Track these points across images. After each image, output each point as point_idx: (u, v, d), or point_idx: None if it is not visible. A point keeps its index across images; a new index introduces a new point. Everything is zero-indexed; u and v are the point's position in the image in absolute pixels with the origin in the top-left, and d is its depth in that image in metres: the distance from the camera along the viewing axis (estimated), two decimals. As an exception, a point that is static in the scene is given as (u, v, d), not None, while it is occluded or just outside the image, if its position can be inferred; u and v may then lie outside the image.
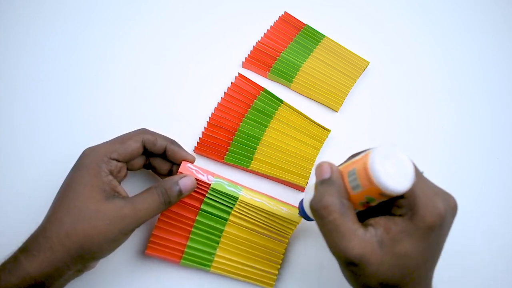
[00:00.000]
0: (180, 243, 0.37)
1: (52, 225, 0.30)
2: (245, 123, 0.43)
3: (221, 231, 0.38)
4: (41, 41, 0.46)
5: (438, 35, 0.51)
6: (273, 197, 0.39)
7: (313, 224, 0.40)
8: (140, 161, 0.37)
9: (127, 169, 0.36)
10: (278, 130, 0.43)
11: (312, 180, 0.31)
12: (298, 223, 0.38)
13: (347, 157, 0.31)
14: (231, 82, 0.45)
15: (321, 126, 0.43)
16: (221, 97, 0.44)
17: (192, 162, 0.37)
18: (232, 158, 0.41)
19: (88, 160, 0.32)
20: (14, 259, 0.29)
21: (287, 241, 0.38)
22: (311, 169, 0.42)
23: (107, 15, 0.49)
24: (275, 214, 0.37)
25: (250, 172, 0.42)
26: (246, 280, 0.38)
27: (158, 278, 0.38)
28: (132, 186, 0.39)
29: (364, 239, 0.26)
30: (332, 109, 0.46)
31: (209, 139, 0.42)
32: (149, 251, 0.37)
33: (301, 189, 0.41)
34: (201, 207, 0.37)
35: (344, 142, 0.44)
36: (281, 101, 0.44)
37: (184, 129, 0.43)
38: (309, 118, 0.43)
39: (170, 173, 0.38)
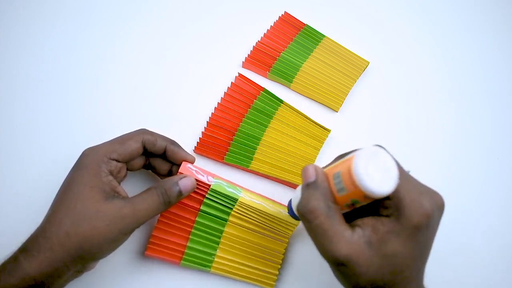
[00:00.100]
0: (180, 244, 0.37)
1: (52, 226, 0.30)
2: (245, 123, 0.43)
3: (221, 231, 0.38)
4: (41, 41, 0.46)
5: (438, 35, 0.51)
6: (272, 200, 0.39)
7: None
8: (140, 161, 0.37)
9: (127, 169, 0.36)
10: (278, 130, 0.43)
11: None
12: (297, 225, 0.38)
13: (334, 157, 0.31)
14: (231, 82, 0.45)
15: (321, 126, 0.43)
16: (221, 97, 0.44)
17: (192, 162, 0.37)
18: (232, 158, 0.41)
19: (88, 160, 0.32)
20: (14, 259, 0.29)
21: (287, 241, 0.38)
22: (311, 169, 0.42)
23: (107, 15, 0.49)
24: (274, 216, 0.37)
25: (250, 172, 0.42)
26: (247, 281, 0.37)
27: (158, 279, 0.38)
28: (132, 186, 0.39)
29: (352, 240, 0.26)
30: (332, 109, 0.46)
31: (209, 139, 0.42)
32: (149, 252, 0.37)
33: (301, 189, 0.41)
34: (201, 208, 0.37)
35: (344, 142, 0.44)
36: (281, 101, 0.44)
37: (184, 129, 0.43)
38: (309, 118, 0.43)
39: (170, 173, 0.38)
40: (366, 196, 0.26)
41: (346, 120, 0.46)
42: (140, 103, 0.44)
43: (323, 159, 0.43)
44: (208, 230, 0.37)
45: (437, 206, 0.27)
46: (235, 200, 0.37)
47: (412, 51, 0.50)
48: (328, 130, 0.43)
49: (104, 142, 0.34)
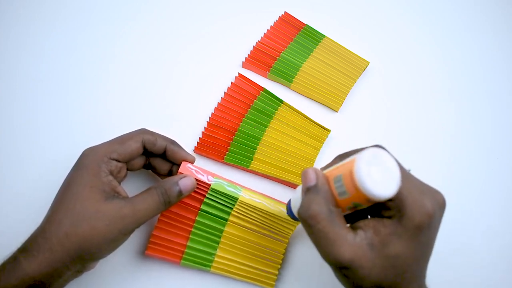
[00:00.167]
0: (180, 244, 0.37)
1: (51, 226, 0.30)
2: (245, 123, 0.43)
3: (221, 231, 0.38)
4: (41, 41, 0.46)
5: (438, 35, 0.51)
6: (273, 198, 0.39)
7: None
8: (140, 161, 0.37)
9: (127, 169, 0.36)
10: (278, 130, 0.43)
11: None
12: (297, 224, 0.38)
13: (334, 157, 0.31)
14: (231, 82, 0.45)
15: (321, 126, 0.43)
16: (221, 97, 0.44)
17: (192, 162, 0.37)
18: (232, 158, 0.41)
19: (87, 161, 0.32)
20: (14, 259, 0.29)
21: (287, 241, 0.38)
22: (311, 169, 0.42)
23: (107, 15, 0.49)
24: (274, 214, 0.37)
25: (250, 172, 0.42)
26: (247, 280, 0.37)
27: (159, 278, 0.38)
28: (132, 186, 0.39)
29: (354, 243, 0.26)
30: (332, 109, 0.46)
31: (209, 139, 0.42)
32: (149, 251, 0.37)
33: (301, 189, 0.41)
34: (201, 207, 0.37)
35: (344, 142, 0.44)
36: (281, 101, 0.44)
37: (184, 129, 0.43)
38: (309, 118, 0.43)
39: (170, 173, 0.38)
40: (369, 200, 0.26)
41: (346, 120, 0.46)
42: (140, 103, 0.44)
43: (323, 159, 0.43)
44: (208, 229, 0.37)
45: (439, 205, 0.27)
46: (235, 199, 0.37)
47: (412, 51, 0.50)
48: (328, 130, 0.43)
49: (104, 142, 0.34)
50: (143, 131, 0.36)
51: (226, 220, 0.38)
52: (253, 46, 0.47)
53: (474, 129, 0.46)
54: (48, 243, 0.29)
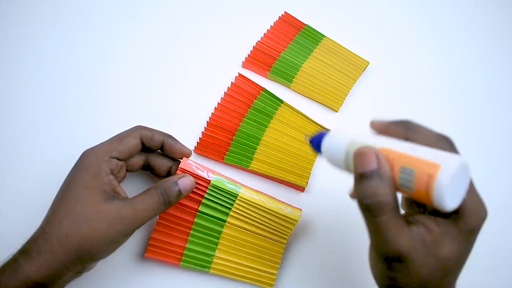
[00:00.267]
0: (179, 246, 0.37)
1: (52, 227, 0.30)
2: (245, 123, 0.43)
3: (220, 232, 0.38)
4: (41, 41, 0.46)
5: (438, 35, 0.51)
6: (272, 197, 0.39)
7: (313, 224, 0.40)
8: (139, 160, 0.37)
9: (126, 170, 0.36)
10: (278, 130, 0.43)
11: (343, 136, 0.28)
12: (297, 221, 0.38)
13: (392, 120, 0.28)
14: (231, 82, 0.45)
15: (321, 126, 0.43)
16: (221, 97, 0.44)
17: (189, 155, 0.37)
18: (232, 158, 0.41)
19: (87, 161, 0.32)
20: (14, 261, 0.29)
21: (286, 241, 0.38)
22: (311, 169, 0.42)
23: (107, 15, 0.49)
24: (274, 211, 0.37)
25: (250, 172, 0.42)
26: (246, 281, 0.37)
27: (158, 280, 0.38)
28: (132, 187, 0.39)
29: (411, 237, 0.25)
30: (332, 109, 0.46)
31: (209, 139, 0.42)
32: (149, 254, 0.37)
33: (301, 189, 0.41)
34: (199, 208, 0.37)
35: (344, 142, 0.44)
36: (281, 101, 0.44)
37: (184, 129, 0.43)
38: (309, 118, 0.43)
39: (169, 174, 0.38)
40: (432, 206, 0.24)
41: (346, 120, 0.46)
42: (140, 103, 0.44)
43: (323, 159, 0.43)
44: (206, 231, 0.37)
45: (487, 212, 0.27)
46: (235, 195, 0.37)
47: (412, 51, 0.50)
48: (328, 130, 0.43)
49: (102, 142, 0.34)
50: (140, 127, 0.36)
51: (224, 221, 0.38)
52: (253, 46, 0.47)
53: (474, 129, 0.46)
54: (49, 244, 0.29)
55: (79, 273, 0.32)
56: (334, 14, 0.51)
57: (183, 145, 0.37)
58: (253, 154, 0.42)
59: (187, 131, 0.43)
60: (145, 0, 0.50)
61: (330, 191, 0.42)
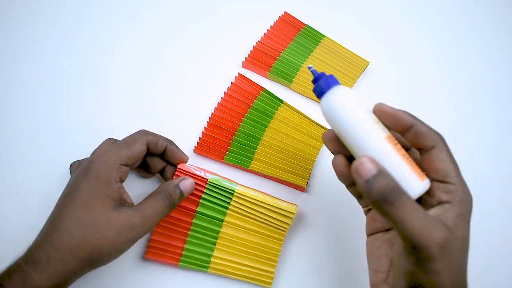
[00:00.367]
0: (178, 246, 0.37)
1: (62, 236, 0.30)
2: (245, 123, 0.43)
3: (218, 232, 0.38)
4: (41, 41, 0.46)
5: (438, 35, 0.51)
6: (268, 194, 0.39)
7: (313, 224, 0.40)
8: (139, 161, 0.37)
9: None
10: (278, 130, 0.43)
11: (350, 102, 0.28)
12: (293, 214, 0.38)
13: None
14: (231, 82, 0.45)
15: (321, 126, 0.43)
16: (221, 97, 0.44)
17: (186, 161, 0.39)
18: (232, 158, 0.41)
19: (97, 169, 0.32)
20: (21, 271, 0.28)
21: (283, 238, 0.38)
22: (311, 169, 0.42)
23: (107, 15, 0.49)
24: (271, 205, 0.38)
25: (250, 172, 0.42)
26: (245, 280, 0.38)
27: (157, 280, 0.38)
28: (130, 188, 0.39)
29: (433, 218, 0.25)
30: (332, 109, 0.46)
31: (209, 139, 0.42)
32: (148, 255, 0.37)
33: (301, 189, 0.41)
34: (197, 209, 0.38)
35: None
36: (281, 101, 0.44)
37: (184, 129, 0.43)
38: (309, 118, 0.43)
39: (161, 172, 0.39)
40: None
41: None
42: (140, 103, 0.44)
43: (323, 159, 0.43)
44: (204, 231, 0.38)
45: None
46: (232, 191, 0.38)
47: (412, 51, 0.50)
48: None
49: (110, 148, 0.34)
50: (145, 133, 0.36)
51: (222, 220, 0.38)
52: (253, 46, 0.47)
53: (474, 129, 0.46)
54: (59, 253, 0.29)
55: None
56: (334, 14, 0.51)
57: (183, 152, 0.38)
58: (253, 154, 0.42)
59: (187, 131, 0.43)
60: (145, 0, 0.50)
61: (330, 191, 0.42)
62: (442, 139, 0.28)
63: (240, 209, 0.38)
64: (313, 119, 0.43)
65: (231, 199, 0.38)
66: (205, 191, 0.38)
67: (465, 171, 0.44)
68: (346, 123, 0.27)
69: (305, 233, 0.40)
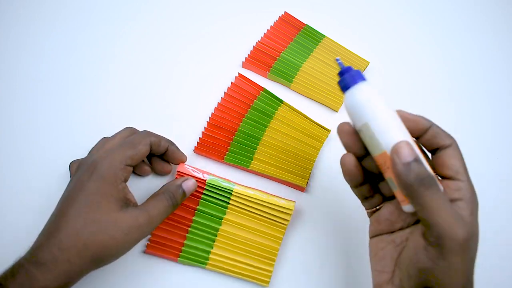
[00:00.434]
0: (178, 242, 0.38)
1: (68, 237, 0.30)
2: (245, 123, 0.43)
3: (217, 229, 0.39)
4: (41, 41, 0.46)
5: (438, 35, 0.51)
6: (265, 192, 0.40)
7: (313, 224, 0.40)
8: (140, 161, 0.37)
9: None
10: (278, 130, 0.43)
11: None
12: (291, 210, 0.39)
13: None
14: (231, 82, 0.45)
15: (321, 126, 0.43)
16: (221, 97, 0.44)
17: (185, 161, 0.40)
18: (232, 158, 0.41)
19: (103, 170, 0.32)
20: (25, 271, 0.28)
21: (282, 236, 0.39)
22: (311, 169, 0.42)
23: (107, 15, 0.49)
24: (269, 203, 0.39)
25: (250, 172, 0.42)
26: (242, 278, 0.38)
27: (157, 274, 0.38)
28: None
29: (457, 212, 0.26)
30: (332, 109, 0.46)
31: (209, 139, 0.42)
32: (149, 249, 0.38)
33: (301, 189, 0.41)
34: (198, 207, 0.39)
35: (344, 142, 0.44)
36: (281, 101, 0.44)
37: (184, 129, 0.43)
38: (309, 118, 0.43)
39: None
40: None
41: (346, 120, 0.45)
42: (140, 103, 0.44)
43: (323, 159, 0.43)
44: (204, 228, 0.39)
45: None
46: (230, 191, 0.39)
47: (412, 51, 0.50)
48: (328, 130, 0.43)
49: (113, 149, 0.34)
50: (149, 134, 0.37)
51: (221, 218, 0.39)
52: (253, 46, 0.47)
53: (474, 129, 0.46)
54: (66, 254, 0.29)
55: None
56: (334, 14, 0.51)
57: (182, 153, 0.40)
58: (253, 154, 0.42)
59: (187, 131, 0.43)
60: (145, 0, 0.50)
61: (330, 191, 0.42)
62: (455, 140, 0.29)
63: (239, 207, 0.39)
64: (313, 119, 0.43)
65: (229, 198, 0.39)
66: (204, 192, 0.39)
67: (465, 171, 0.44)
68: (375, 116, 0.28)
69: (304, 232, 0.40)
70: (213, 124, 0.43)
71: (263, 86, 0.45)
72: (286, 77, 0.46)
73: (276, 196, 0.39)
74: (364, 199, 0.32)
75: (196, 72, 0.46)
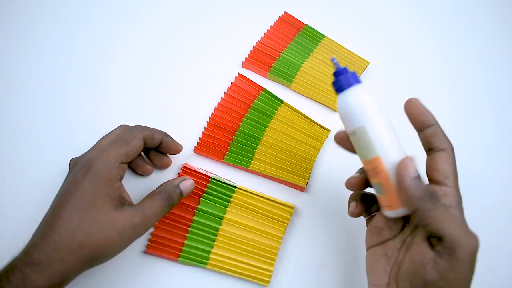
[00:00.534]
0: (178, 242, 0.38)
1: (63, 237, 0.29)
2: (245, 123, 0.43)
3: (217, 229, 0.39)
4: (41, 41, 0.46)
5: (438, 35, 0.51)
6: (268, 196, 0.40)
7: (313, 224, 0.40)
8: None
9: None
10: (278, 130, 0.43)
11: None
12: (293, 209, 0.39)
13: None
14: (231, 82, 0.45)
15: (321, 126, 0.43)
16: (221, 97, 0.44)
17: (180, 150, 0.40)
18: (232, 158, 0.41)
19: (99, 168, 0.32)
20: (20, 271, 0.28)
21: (282, 236, 0.39)
22: (311, 169, 0.42)
23: (107, 15, 0.49)
24: (271, 199, 0.39)
25: (250, 172, 0.42)
26: (243, 277, 0.38)
27: (157, 274, 0.38)
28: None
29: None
30: (332, 109, 0.46)
31: (209, 139, 0.42)
32: (149, 249, 0.38)
33: (301, 189, 0.41)
34: (198, 206, 0.39)
35: (344, 142, 0.44)
36: (281, 101, 0.44)
37: (184, 129, 0.43)
38: (309, 118, 0.43)
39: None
40: None
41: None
42: (140, 103, 0.44)
43: (323, 159, 0.43)
44: (204, 228, 0.39)
45: None
46: (233, 187, 0.39)
47: (412, 51, 0.50)
48: (328, 130, 0.43)
49: (107, 146, 0.34)
50: (141, 128, 0.36)
51: (222, 218, 0.39)
52: (253, 46, 0.47)
53: (474, 129, 0.46)
54: (60, 254, 0.29)
55: None
56: (334, 14, 0.51)
57: (177, 142, 0.39)
58: (253, 154, 0.42)
59: (187, 131, 0.43)
60: (145, 0, 0.50)
61: (330, 191, 0.42)
62: (452, 147, 0.29)
63: (241, 204, 0.39)
64: (313, 119, 0.43)
65: (231, 195, 0.39)
66: (207, 188, 0.39)
67: (465, 171, 0.44)
68: (371, 120, 0.28)
69: (304, 232, 0.40)
70: (213, 124, 0.43)
71: (263, 86, 0.45)
72: (286, 77, 0.46)
73: (278, 200, 0.40)
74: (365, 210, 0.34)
75: (196, 72, 0.46)
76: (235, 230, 0.39)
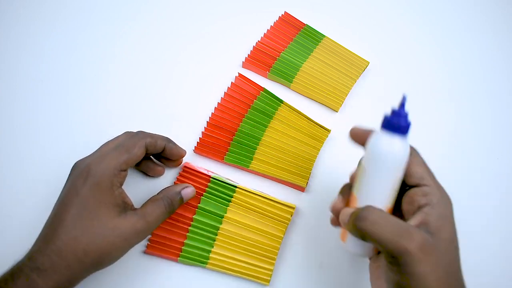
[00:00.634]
0: (178, 241, 0.38)
1: (67, 245, 0.30)
2: (245, 123, 0.43)
3: (217, 228, 0.39)
4: (41, 41, 0.47)
5: (438, 35, 0.51)
6: (268, 195, 0.40)
7: (313, 224, 0.40)
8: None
9: None
10: (278, 130, 0.43)
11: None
12: (293, 209, 0.39)
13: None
14: (231, 82, 0.45)
15: (321, 126, 0.43)
16: (221, 97, 0.44)
17: (184, 155, 0.40)
18: (232, 158, 0.41)
19: (98, 176, 0.32)
20: (26, 276, 0.28)
21: (282, 236, 0.39)
22: (311, 169, 0.42)
23: (107, 15, 0.49)
24: (271, 199, 0.39)
25: (250, 172, 0.42)
26: (243, 276, 0.38)
27: (157, 274, 0.38)
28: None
29: (420, 233, 0.26)
30: (332, 109, 0.46)
31: (209, 139, 0.42)
32: (149, 249, 0.38)
33: (301, 189, 0.41)
34: (199, 205, 0.39)
35: (344, 142, 0.44)
36: (281, 101, 0.44)
37: (184, 129, 0.43)
38: (309, 118, 0.43)
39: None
40: None
41: (346, 120, 0.46)
42: (140, 103, 0.44)
43: (323, 159, 0.43)
44: (205, 227, 0.39)
45: None
46: (234, 187, 0.40)
47: (412, 51, 0.50)
48: (328, 130, 0.43)
49: (108, 154, 0.34)
50: (143, 135, 0.36)
51: (222, 217, 0.39)
52: (253, 46, 0.47)
53: (474, 129, 0.46)
54: (66, 261, 0.29)
55: None
56: (334, 14, 0.51)
57: (180, 147, 0.39)
58: (253, 154, 0.42)
59: (187, 131, 0.43)
60: (145, 0, 0.50)
61: (330, 191, 0.42)
62: (414, 148, 0.30)
63: (241, 204, 0.39)
64: (313, 119, 0.43)
65: (232, 194, 0.39)
66: (207, 187, 0.39)
67: (465, 171, 0.44)
68: (375, 171, 0.29)
69: (304, 232, 0.40)
70: (213, 124, 0.43)
71: (263, 86, 0.45)
72: (286, 77, 0.46)
73: (279, 200, 0.40)
74: None
75: (196, 72, 0.46)
76: (236, 229, 0.39)
